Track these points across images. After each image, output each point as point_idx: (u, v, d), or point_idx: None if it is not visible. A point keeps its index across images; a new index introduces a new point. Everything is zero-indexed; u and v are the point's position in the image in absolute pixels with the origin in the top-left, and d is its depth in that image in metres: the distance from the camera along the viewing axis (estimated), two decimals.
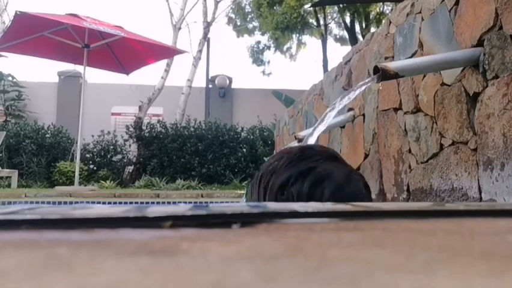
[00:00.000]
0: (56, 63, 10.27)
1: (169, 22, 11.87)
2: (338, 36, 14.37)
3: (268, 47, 14.46)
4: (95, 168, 9.00)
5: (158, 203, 5.71)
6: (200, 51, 11.21)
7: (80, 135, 7.41)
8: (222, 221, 0.44)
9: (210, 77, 12.50)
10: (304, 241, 0.35)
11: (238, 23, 14.34)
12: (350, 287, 0.22)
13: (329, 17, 13.83)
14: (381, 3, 11.42)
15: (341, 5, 11.78)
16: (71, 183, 7.62)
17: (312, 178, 0.87)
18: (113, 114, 11.80)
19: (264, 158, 6.84)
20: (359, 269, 0.26)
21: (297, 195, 0.87)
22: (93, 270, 0.25)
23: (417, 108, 2.19)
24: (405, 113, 2.32)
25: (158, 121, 9.71)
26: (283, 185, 0.89)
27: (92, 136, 9.30)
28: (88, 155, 9.08)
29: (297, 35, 13.72)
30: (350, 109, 3.13)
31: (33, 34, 7.19)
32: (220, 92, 12.44)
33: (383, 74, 1.74)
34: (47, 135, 9.10)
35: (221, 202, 5.95)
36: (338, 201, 0.82)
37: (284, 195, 0.88)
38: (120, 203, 5.95)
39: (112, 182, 8.26)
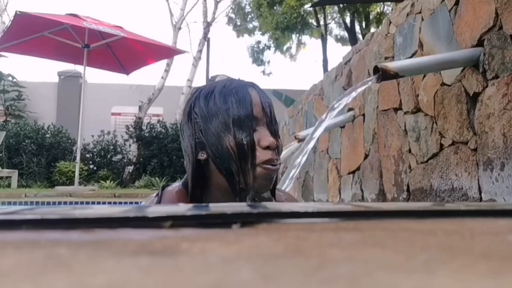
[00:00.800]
0: (56, 63, 10.28)
1: (169, 22, 11.87)
2: (338, 36, 14.39)
3: (268, 47, 14.47)
4: (95, 168, 9.00)
5: None
6: (200, 51, 11.21)
7: (80, 135, 7.41)
8: (222, 221, 0.44)
9: (210, 77, 12.49)
10: (304, 241, 0.35)
11: (238, 23, 14.34)
12: (350, 287, 0.22)
13: (329, 17, 13.84)
14: (381, 3, 11.42)
15: (341, 5, 11.78)
16: (71, 183, 7.62)
17: (204, 93, 1.07)
18: (113, 114, 11.80)
19: None
20: (359, 269, 0.26)
21: (199, 112, 1.05)
22: (93, 270, 0.25)
23: (417, 108, 2.19)
24: (405, 113, 2.32)
25: (158, 121, 9.70)
26: (189, 113, 1.08)
27: (92, 136, 9.30)
28: (88, 155, 9.08)
29: (297, 35, 13.72)
30: (350, 109, 3.13)
31: (33, 34, 7.19)
32: None
33: (383, 74, 1.75)
34: (47, 135, 9.09)
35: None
36: (227, 96, 1.03)
37: (192, 120, 1.07)
38: (120, 203, 5.95)
39: (112, 182, 8.26)
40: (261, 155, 1.03)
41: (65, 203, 5.64)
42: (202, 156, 1.05)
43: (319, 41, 13.24)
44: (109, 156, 9.26)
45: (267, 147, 1.03)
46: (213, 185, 1.08)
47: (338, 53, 25.59)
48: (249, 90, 1.06)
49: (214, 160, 1.04)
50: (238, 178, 1.02)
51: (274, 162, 1.04)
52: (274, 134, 1.06)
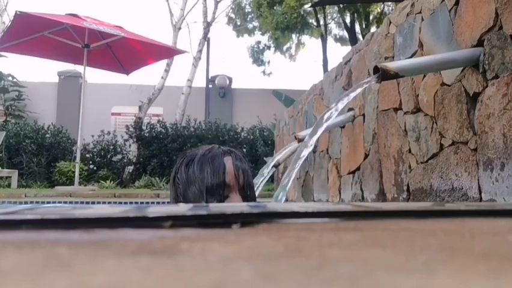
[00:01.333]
0: (56, 63, 10.26)
1: (169, 22, 11.86)
2: (338, 36, 14.36)
3: (268, 47, 14.45)
4: (95, 168, 8.99)
5: (158, 203, 5.72)
6: (200, 51, 11.20)
7: (80, 135, 7.41)
8: (222, 221, 0.44)
9: (210, 77, 12.49)
10: (304, 241, 0.35)
11: (238, 23, 14.32)
12: (350, 287, 0.22)
13: (329, 17, 13.82)
14: (381, 3, 11.42)
15: (341, 5, 11.77)
16: (71, 183, 7.61)
17: (186, 161, 1.19)
18: (113, 114, 11.79)
19: (264, 158, 6.83)
20: (359, 269, 0.26)
21: (180, 178, 1.16)
22: (93, 270, 0.25)
23: (417, 108, 2.19)
24: (405, 113, 2.32)
25: (158, 121, 9.69)
26: (174, 177, 1.20)
27: (92, 136, 9.29)
28: (88, 155, 9.07)
29: (297, 35, 13.70)
30: (350, 109, 3.13)
31: (33, 34, 7.19)
32: (220, 92, 12.43)
33: (383, 74, 1.74)
34: (47, 135, 9.08)
35: None
36: (203, 165, 1.14)
37: (175, 184, 1.19)
38: (120, 203, 5.94)
39: (112, 182, 8.25)
40: None
41: (65, 203, 5.64)
42: None
43: (319, 41, 13.23)
44: (109, 156, 9.25)
45: None
46: None
47: (337, 53, 25.52)
48: (225, 159, 1.16)
49: None
50: None
51: None
52: (247, 199, 1.16)
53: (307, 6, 11.79)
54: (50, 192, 6.66)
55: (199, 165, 1.15)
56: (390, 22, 2.57)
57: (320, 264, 0.27)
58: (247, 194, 1.16)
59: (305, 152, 1.70)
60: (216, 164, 1.14)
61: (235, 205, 0.65)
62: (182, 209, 0.53)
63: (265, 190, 5.65)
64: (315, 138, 1.76)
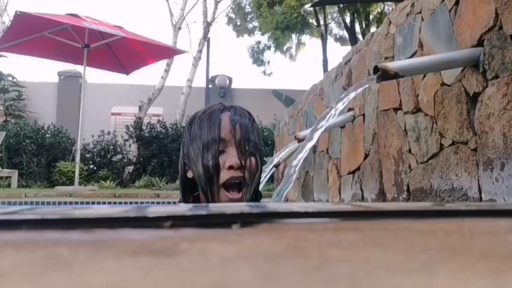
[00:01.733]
0: (56, 63, 10.26)
1: (169, 22, 11.86)
2: (338, 36, 14.37)
3: (268, 47, 14.45)
4: (95, 168, 8.99)
5: (158, 203, 5.72)
6: (200, 51, 11.20)
7: (80, 135, 7.41)
8: (222, 221, 0.44)
9: (210, 77, 12.48)
10: (304, 241, 0.35)
11: (238, 23, 14.33)
12: (350, 287, 0.22)
13: (329, 17, 13.82)
14: (381, 3, 11.41)
15: (341, 5, 11.77)
16: (71, 183, 7.61)
17: (189, 120, 1.23)
18: (113, 114, 11.79)
19: (264, 158, 6.83)
20: (359, 269, 0.26)
21: (185, 137, 1.20)
22: (93, 270, 0.25)
23: (417, 108, 2.19)
24: (405, 113, 2.32)
25: (158, 121, 9.69)
26: (181, 137, 1.24)
27: (92, 136, 9.29)
28: (88, 155, 9.07)
29: (297, 35, 13.71)
30: (350, 109, 3.13)
31: (33, 34, 7.19)
32: (220, 92, 12.43)
33: (383, 74, 1.74)
34: (47, 135, 9.08)
35: None
36: (202, 122, 1.16)
37: (182, 143, 1.23)
38: (120, 203, 5.94)
39: (112, 182, 8.25)
40: (224, 175, 1.11)
41: (65, 203, 5.64)
42: (190, 175, 1.18)
43: (319, 41, 13.23)
44: (109, 156, 9.25)
45: (230, 167, 1.11)
46: (201, 199, 1.19)
47: (337, 53, 25.59)
48: (222, 115, 1.17)
49: (195, 179, 1.16)
50: (207, 197, 1.13)
51: (237, 179, 1.12)
52: (244, 153, 1.14)
53: (307, 6, 11.79)
54: (50, 192, 6.66)
55: (199, 123, 1.18)
56: (390, 22, 2.57)
57: (320, 264, 0.27)
58: (245, 148, 1.14)
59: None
60: (213, 119, 1.16)
61: (235, 205, 0.65)
62: (182, 209, 0.53)
63: (265, 190, 5.65)
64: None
